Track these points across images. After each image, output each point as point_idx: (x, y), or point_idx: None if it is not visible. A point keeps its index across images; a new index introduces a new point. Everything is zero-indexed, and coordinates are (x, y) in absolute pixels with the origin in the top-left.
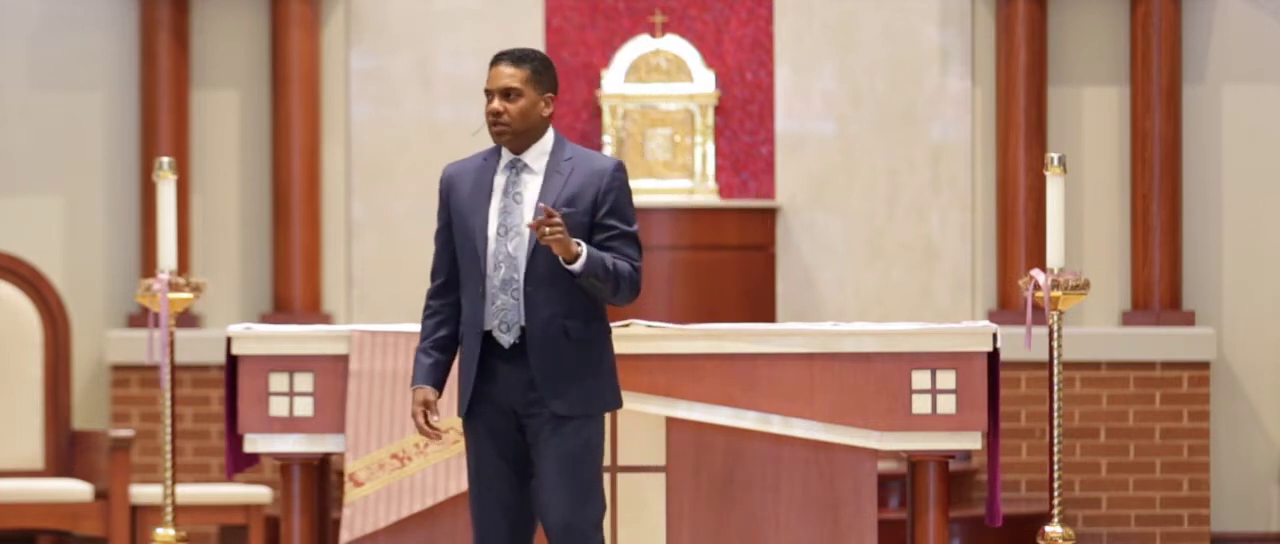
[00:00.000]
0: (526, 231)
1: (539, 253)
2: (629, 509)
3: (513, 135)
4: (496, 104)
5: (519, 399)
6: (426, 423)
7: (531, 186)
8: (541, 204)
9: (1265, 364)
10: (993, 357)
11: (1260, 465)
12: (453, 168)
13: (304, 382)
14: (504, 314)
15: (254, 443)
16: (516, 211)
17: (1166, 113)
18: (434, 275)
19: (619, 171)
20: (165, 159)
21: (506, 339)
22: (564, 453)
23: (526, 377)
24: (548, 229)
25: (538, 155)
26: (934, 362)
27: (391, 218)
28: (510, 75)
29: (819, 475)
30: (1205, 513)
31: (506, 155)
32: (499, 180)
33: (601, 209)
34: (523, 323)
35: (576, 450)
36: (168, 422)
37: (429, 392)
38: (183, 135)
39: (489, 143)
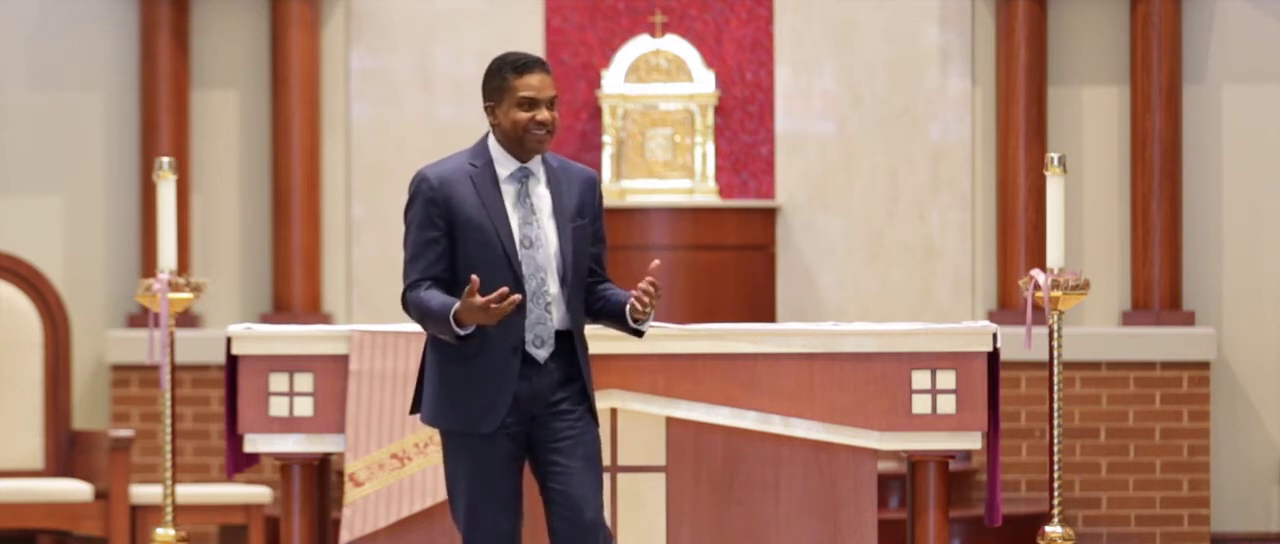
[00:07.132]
0: (552, 241)
1: (568, 263)
2: (629, 509)
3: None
4: (546, 114)
5: (543, 403)
6: (496, 299)
7: (542, 196)
8: (654, 268)
9: (1265, 364)
10: (993, 357)
11: (1260, 465)
12: (438, 173)
13: (304, 382)
14: (538, 328)
15: (254, 443)
16: (535, 222)
17: (1166, 113)
18: (415, 280)
19: (599, 182)
20: (165, 159)
21: (542, 353)
22: (591, 450)
23: (554, 379)
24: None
25: (536, 163)
26: (934, 362)
27: (391, 218)
28: (551, 83)
29: (819, 475)
30: (1205, 513)
31: (509, 163)
32: (508, 189)
33: (594, 221)
34: (557, 330)
35: (598, 448)
36: (168, 422)
37: (463, 299)
38: (183, 135)
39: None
